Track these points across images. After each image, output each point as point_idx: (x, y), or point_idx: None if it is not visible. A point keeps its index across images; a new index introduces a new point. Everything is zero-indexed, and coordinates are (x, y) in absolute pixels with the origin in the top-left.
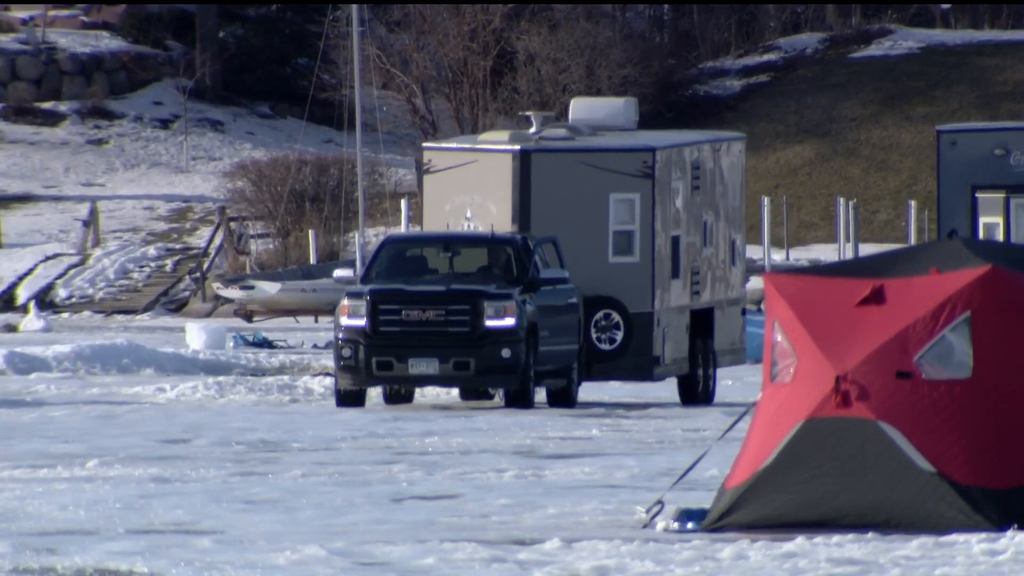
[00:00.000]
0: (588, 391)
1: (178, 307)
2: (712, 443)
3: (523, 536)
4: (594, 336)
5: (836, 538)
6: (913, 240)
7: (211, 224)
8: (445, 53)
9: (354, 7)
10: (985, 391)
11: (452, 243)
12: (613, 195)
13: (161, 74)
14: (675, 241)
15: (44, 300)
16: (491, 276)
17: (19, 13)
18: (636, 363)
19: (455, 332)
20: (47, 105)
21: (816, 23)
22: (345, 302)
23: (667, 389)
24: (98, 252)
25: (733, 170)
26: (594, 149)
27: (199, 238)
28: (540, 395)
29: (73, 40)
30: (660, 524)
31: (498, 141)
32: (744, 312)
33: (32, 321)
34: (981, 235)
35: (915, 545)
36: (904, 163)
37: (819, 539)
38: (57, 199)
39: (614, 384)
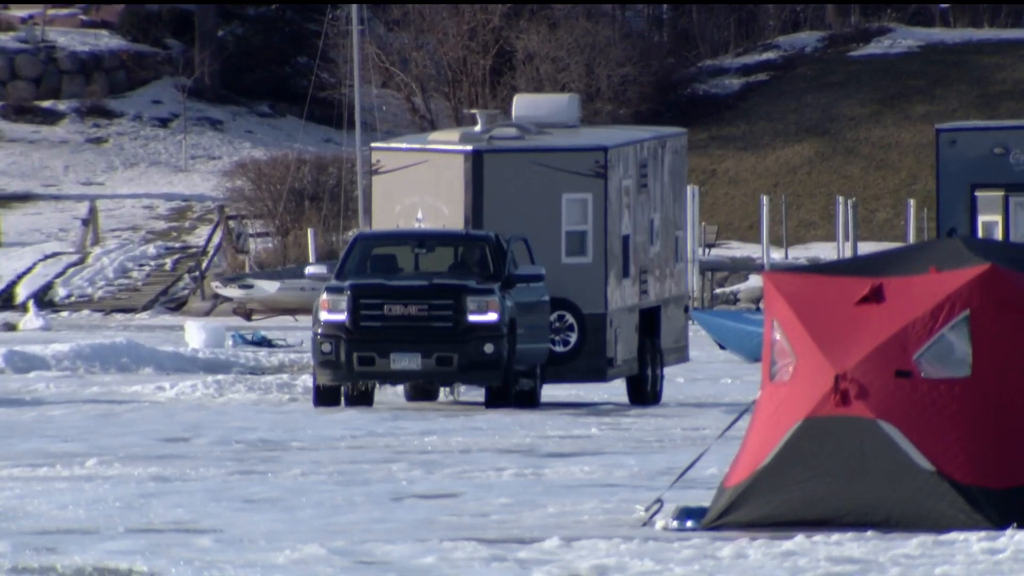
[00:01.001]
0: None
1: (177, 306)
2: (711, 442)
3: (523, 535)
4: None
5: (836, 537)
6: (912, 239)
7: (210, 223)
8: (444, 52)
9: (354, 6)
10: (984, 390)
11: (426, 240)
12: (566, 195)
13: (160, 73)
14: (625, 240)
15: (43, 299)
16: (469, 272)
17: (18, 12)
18: (590, 365)
19: (438, 327)
20: (46, 104)
21: (815, 22)
22: (324, 297)
23: (612, 389)
24: (97, 251)
25: (676, 167)
26: (546, 149)
27: (198, 237)
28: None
29: (72, 39)
30: (660, 523)
31: (449, 141)
32: (687, 310)
33: (31, 320)
34: (980, 234)
35: (915, 544)
36: (903, 162)
37: (819, 538)
38: (56, 198)
39: (562, 386)
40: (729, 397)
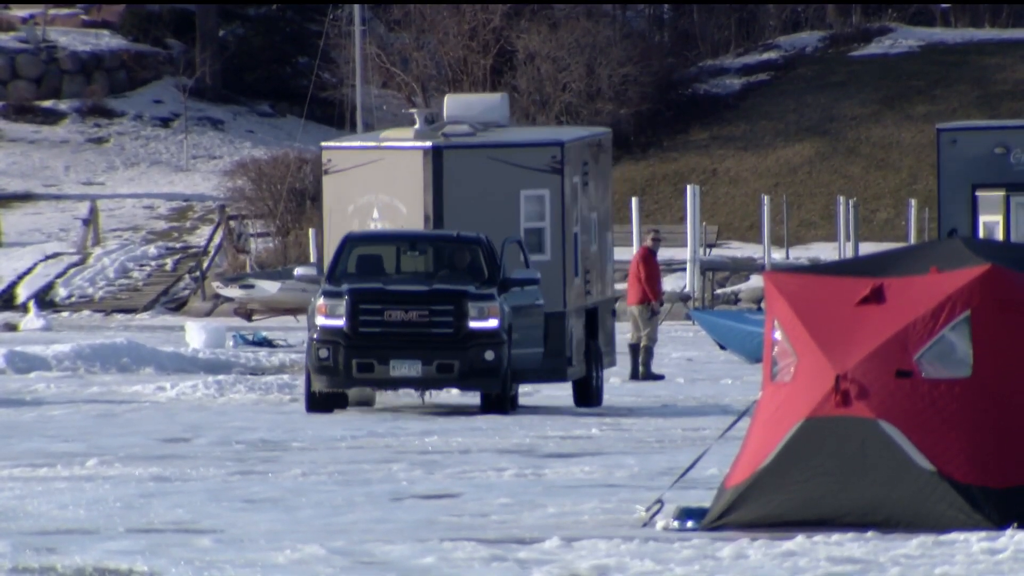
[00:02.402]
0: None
1: (178, 306)
2: (712, 442)
3: (523, 535)
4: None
5: (836, 537)
6: (913, 239)
7: (211, 223)
8: (445, 52)
9: (355, 6)
10: (985, 390)
11: (418, 242)
12: (524, 191)
13: (161, 73)
14: (575, 238)
15: (44, 299)
16: (466, 276)
17: (19, 11)
18: (551, 365)
19: (438, 333)
20: (47, 103)
21: (816, 22)
22: (322, 301)
23: (552, 390)
24: (98, 251)
25: (605, 167)
26: (503, 144)
27: (199, 237)
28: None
29: (73, 38)
30: (660, 523)
31: (403, 138)
32: (614, 313)
33: (32, 320)
34: (981, 234)
35: (915, 544)
36: (904, 162)
37: (819, 538)
38: (57, 198)
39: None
40: (729, 397)
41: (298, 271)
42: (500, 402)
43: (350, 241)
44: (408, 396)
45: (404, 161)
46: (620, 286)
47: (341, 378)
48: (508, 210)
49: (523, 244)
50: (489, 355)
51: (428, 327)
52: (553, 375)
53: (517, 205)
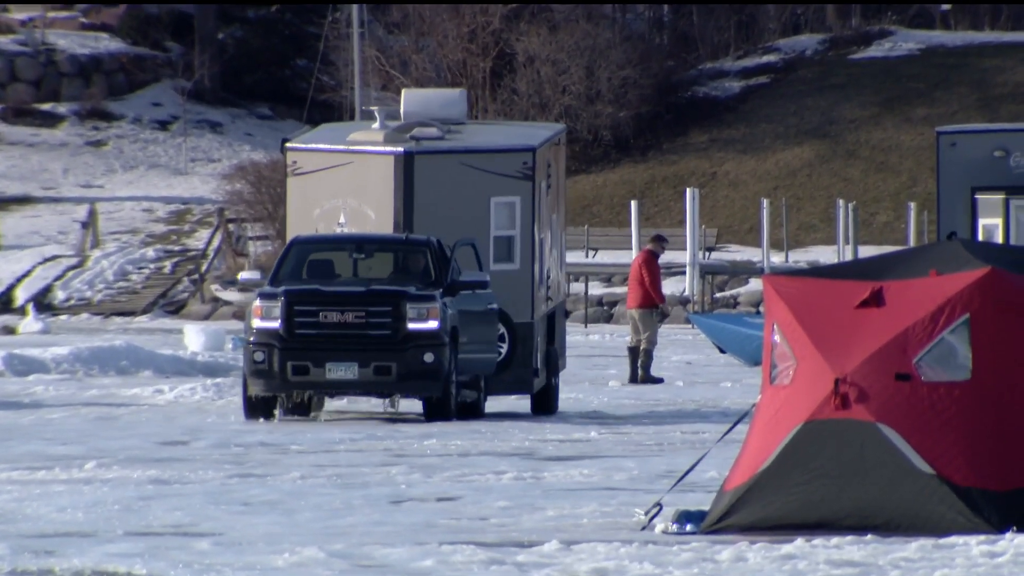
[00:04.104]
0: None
1: (177, 309)
2: (711, 445)
3: (522, 538)
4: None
5: (835, 540)
6: (913, 242)
7: (210, 226)
8: (444, 54)
9: (354, 8)
10: (984, 393)
11: (365, 244)
12: (494, 198)
13: (160, 75)
14: (541, 244)
15: (42, 302)
16: (410, 278)
17: (18, 14)
18: (518, 376)
19: (376, 335)
20: (46, 106)
21: (816, 24)
22: (257, 303)
23: (506, 399)
24: (96, 254)
25: (562, 166)
26: (474, 150)
27: (198, 240)
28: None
29: (72, 41)
30: (659, 526)
31: (372, 141)
32: (566, 315)
33: (30, 323)
34: (980, 237)
35: (914, 547)
36: (904, 165)
37: (818, 541)
38: (55, 201)
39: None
40: (728, 400)
41: (242, 275)
42: (442, 407)
43: (296, 244)
44: (369, 404)
45: (374, 166)
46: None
47: (277, 382)
48: (478, 217)
49: (476, 247)
50: (428, 357)
51: (365, 329)
52: (520, 387)
53: (487, 212)
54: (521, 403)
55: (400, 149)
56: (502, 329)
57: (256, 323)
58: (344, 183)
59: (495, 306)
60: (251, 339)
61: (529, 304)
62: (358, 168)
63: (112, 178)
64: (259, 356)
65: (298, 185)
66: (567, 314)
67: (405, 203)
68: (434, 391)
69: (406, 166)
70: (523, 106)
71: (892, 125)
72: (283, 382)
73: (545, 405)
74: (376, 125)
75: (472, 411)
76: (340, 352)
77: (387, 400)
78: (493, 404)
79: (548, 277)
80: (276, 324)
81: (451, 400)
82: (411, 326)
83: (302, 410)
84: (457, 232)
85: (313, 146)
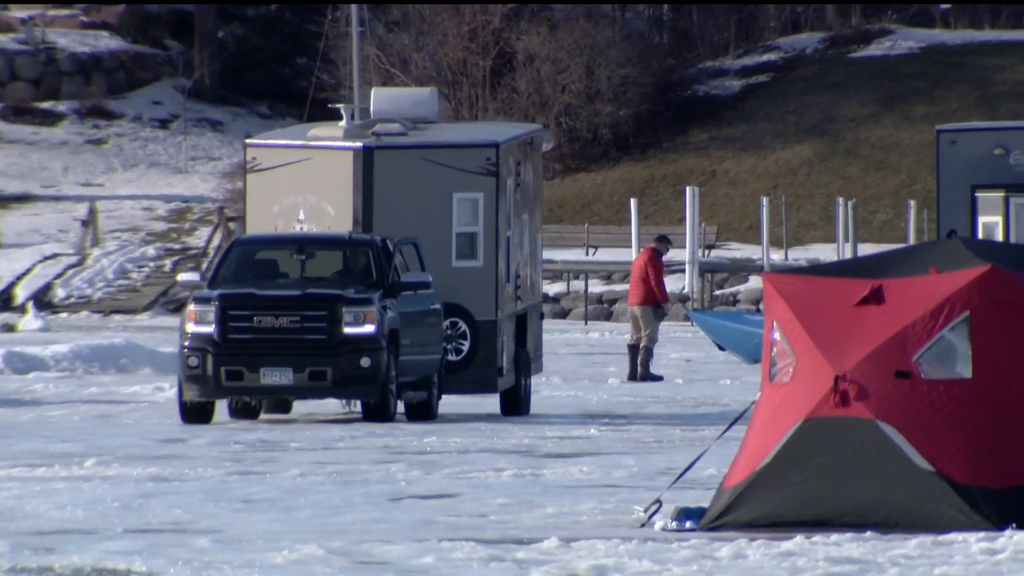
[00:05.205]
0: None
1: (177, 307)
2: (711, 443)
3: (521, 535)
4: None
5: (834, 537)
6: (912, 240)
7: (210, 224)
8: (444, 53)
9: (353, 7)
10: (984, 391)
11: (307, 245)
12: (456, 194)
13: (160, 74)
14: (508, 242)
15: (42, 300)
16: (349, 280)
17: (18, 13)
18: (481, 375)
19: (311, 340)
20: (46, 105)
21: (816, 23)
22: (191, 307)
23: (478, 399)
24: (97, 252)
25: (537, 165)
26: (437, 145)
27: (198, 238)
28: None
29: (72, 40)
30: (658, 523)
31: (332, 137)
32: (541, 317)
33: (30, 321)
34: (980, 235)
35: (913, 544)
36: (903, 163)
37: (817, 538)
38: (56, 199)
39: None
40: (728, 398)
41: (181, 277)
42: (380, 411)
43: (237, 245)
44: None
45: (333, 161)
46: (620, 287)
47: (211, 387)
48: (440, 213)
49: (419, 246)
50: (365, 362)
51: (300, 333)
52: (484, 386)
53: (450, 208)
54: (489, 402)
55: (359, 144)
56: (464, 327)
57: (191, 327)
58: (303, 179)
59: (437, 306)
60: (185, 344)
61: (493, 301)
62: (317, 164)
63: (112, 176)
64: (193, 361)
65: (257, 182)
66: (542, 316)
67: (365, 199)
68: (371, 395)
69: (365, 161)
70: (523, 105)
71: (892, 123)
72: (217, 387)
73: (515, 406)
74: (343, 123)
75: (424, 413)
76: (274, 357)
77: (344, 401)
78: (461, 404)
79: (518, 277)
80: (210, 329)
81: (390, 403)
82: (347, 330)
83: (251, 413)
84: (418, 228)
85: (272, 142)
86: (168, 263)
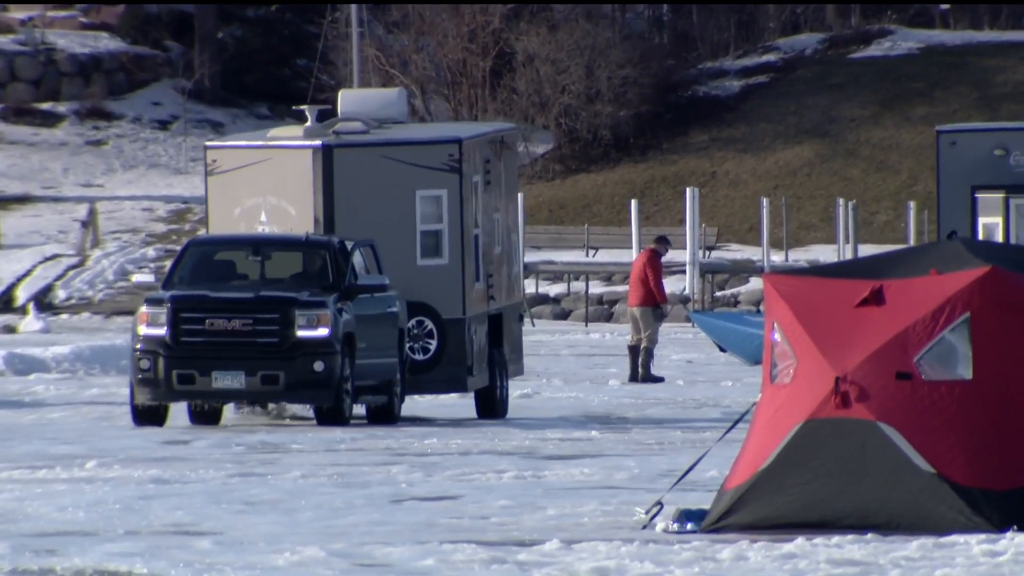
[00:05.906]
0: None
1: None
2: (712, 444)
3: (523, 537)
4: (407, 346)
5: (836, 539)
6: (913, 241)
7: None
8: (444, 54)
9: (353, 7)
10: (985, 392)
11: (263, 246)
12: (419, 192)
13: (160, 75)
14: (476, 240)
15: (43, 301)
16: (304, 282)
17: (18, 14)
18: (450, 374)
19: (263, 343)
20: (46, 106)
21: (816, 23)
22: (144, 309)
23: (452, 400)
24: (97, 253)
25: (511, 165)
26: (398, 142)
27: None
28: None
29: (72, 41)
30: (660, 525)
31: (292, 137)
32: (521, 318)
33: (31, 322)
34: (981, 235)
35: (915, 546)
36: (904, 164)
37: (819, 540)
38: (56, 200)
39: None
40: (729, 399)
41: (136, 278)
42: (334, 415)
43: (192, 246)
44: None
45: (292, 161)
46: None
47: (162, 390)
48: (404, 211)
49: (376, 248)
50: (318, 366)
51: (253, 336)
52: (453, 385)
53: (413, 206)
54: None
55: (318, 142)
56: (430, 326)
57: (142, 330)
58: (263, 180)
59: (395, 309)
60: (137, 346)
61: (459, 300)
62: (277, 164)
63: (112, 177)
64: (144, 364)
65: (218, 184)
66: (520, 318)
67: (325, 198)
68: (324, 400)
69: (325, 160)
70: (523, 105)
71: (892, 124)
72: (168, 391)
73: (490, 407)
74: (308, 124)
75: (385, 416)
76: (227, 360)
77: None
78: (443, 407)
79: (490, 276)
80: (162, 331)
81: (344, 408)
82: (300, 334)
83: (211, 418)
84: (382, 227)
85: (231, 144)
86: (168, 264)
